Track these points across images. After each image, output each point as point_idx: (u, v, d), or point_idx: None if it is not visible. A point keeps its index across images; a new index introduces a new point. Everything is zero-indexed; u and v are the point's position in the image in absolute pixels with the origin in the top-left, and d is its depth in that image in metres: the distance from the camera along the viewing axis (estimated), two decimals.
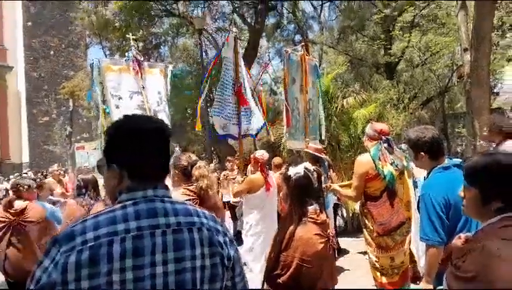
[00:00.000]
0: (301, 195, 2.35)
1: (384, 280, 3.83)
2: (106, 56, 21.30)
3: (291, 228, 2.28)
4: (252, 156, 5.19)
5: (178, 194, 2.99)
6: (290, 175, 2.41)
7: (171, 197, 1.35)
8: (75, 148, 18.14)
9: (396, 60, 19.29)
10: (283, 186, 2.48)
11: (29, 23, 29.75)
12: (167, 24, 20.00)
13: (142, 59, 4.88)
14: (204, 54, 20.78)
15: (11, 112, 28.85)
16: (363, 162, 3.86)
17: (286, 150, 9.39)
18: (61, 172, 8.10)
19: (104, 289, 1.13)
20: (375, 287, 3.98)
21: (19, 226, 3.89)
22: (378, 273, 3.86)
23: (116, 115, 4.77)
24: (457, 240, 1.88)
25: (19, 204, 3.91)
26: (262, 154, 5.06)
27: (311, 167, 2.43)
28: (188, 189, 3.08)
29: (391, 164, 3.80)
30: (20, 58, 29.52)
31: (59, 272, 1.12)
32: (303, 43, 6.71)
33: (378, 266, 3.84)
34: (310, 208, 2.34)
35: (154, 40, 20.50)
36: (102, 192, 3.86)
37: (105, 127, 5.83)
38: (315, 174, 2.41)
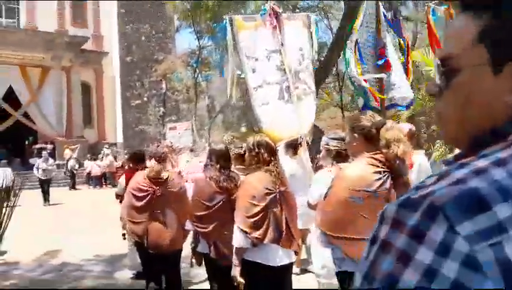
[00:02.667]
0: None
1: None
2: (197, 39, 21.51)
3: None
4: None
5: (362, 164, 2.33)
6: None
7: None
8: (168, 128, 18.65)
9: None
10: None
11: (123, 10, 31.14)
12: (254, 5, 19.59)
13: (280, 10, 4.25)
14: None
15: (107, 95, 30.60)
16: None
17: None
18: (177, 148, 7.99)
19: None
20: None
21: (162, 196, 3.61)
22: None
23: (253, 80, 4.21)
24: None
25: (163, 173, 3.63)
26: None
27: None
28: (373, 158, 2.32)
29: None
30: (114, 44, 31.08)
31: None
32: None
33: None
34: None
35: None
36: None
37: (234, 96, 5.36)
38: None
